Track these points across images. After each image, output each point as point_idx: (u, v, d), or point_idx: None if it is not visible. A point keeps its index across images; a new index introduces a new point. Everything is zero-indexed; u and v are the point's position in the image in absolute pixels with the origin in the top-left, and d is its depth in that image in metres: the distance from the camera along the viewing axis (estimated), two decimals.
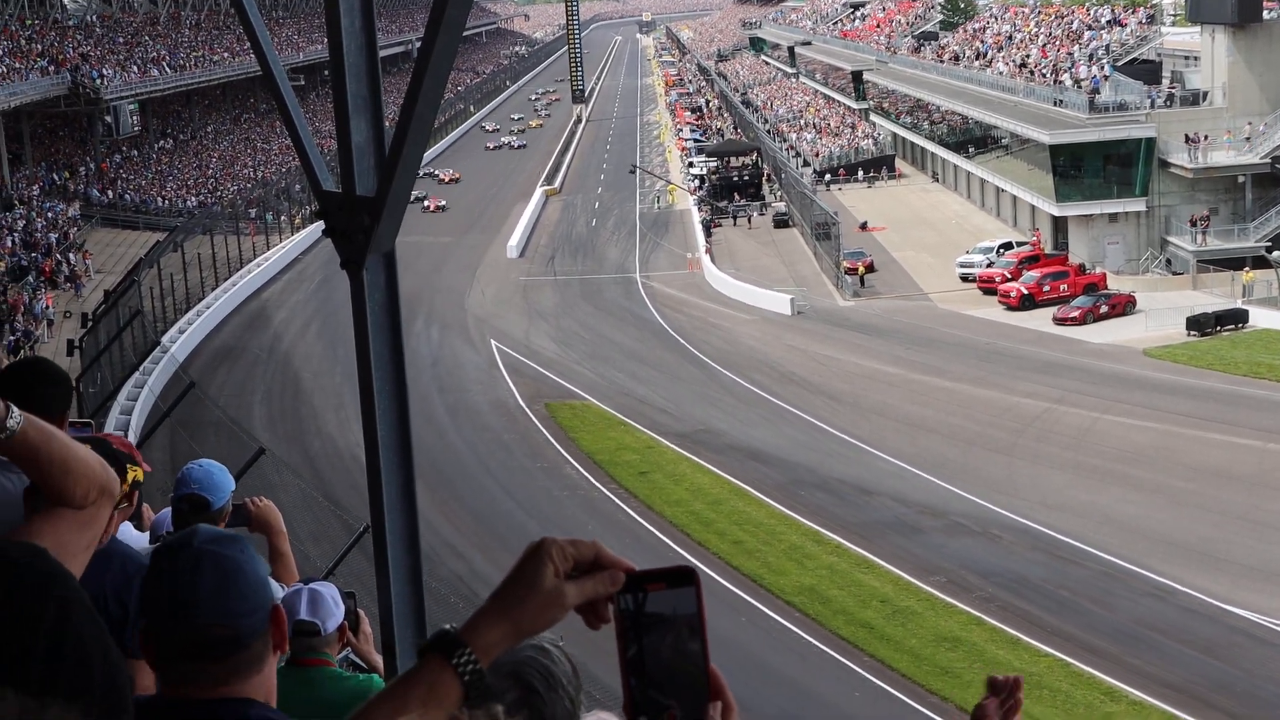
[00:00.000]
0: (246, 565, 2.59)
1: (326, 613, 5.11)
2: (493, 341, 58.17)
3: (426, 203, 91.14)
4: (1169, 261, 65.34)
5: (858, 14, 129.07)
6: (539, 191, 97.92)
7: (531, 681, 2.48)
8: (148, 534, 5.83)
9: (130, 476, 4.00)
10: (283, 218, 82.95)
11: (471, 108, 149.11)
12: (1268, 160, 63.59)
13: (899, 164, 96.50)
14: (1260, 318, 54.95)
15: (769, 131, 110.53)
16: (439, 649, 1.70)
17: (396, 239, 4.70)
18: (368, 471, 4.88)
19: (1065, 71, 73.76)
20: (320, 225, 4.36)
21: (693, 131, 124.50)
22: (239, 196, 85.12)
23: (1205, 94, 67.95)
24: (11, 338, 47.52)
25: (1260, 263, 60.21)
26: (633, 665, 1.58)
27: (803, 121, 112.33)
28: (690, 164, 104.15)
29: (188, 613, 2.52)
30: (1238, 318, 54.92)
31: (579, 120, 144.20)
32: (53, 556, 1.94)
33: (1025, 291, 60.16)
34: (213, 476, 5.20)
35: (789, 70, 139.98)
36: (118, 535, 4.07)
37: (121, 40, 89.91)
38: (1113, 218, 66.73)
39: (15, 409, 2.71)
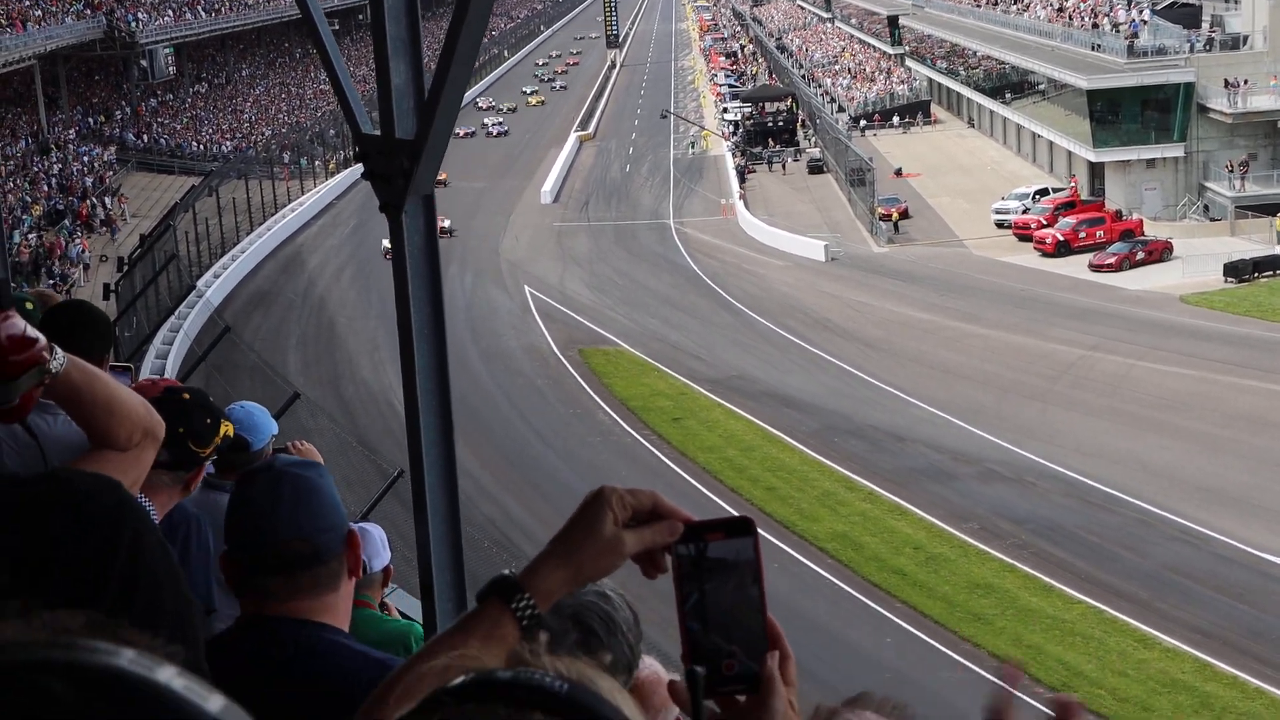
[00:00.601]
0: (323, 486, 2.76)
1: (372, 552, 5.15)
2: (526, 287, 58.21)
3: None
4: (1206, 208, 64.80)
5: None
6: (573, 137, 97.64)
7: (592, 625, 2.51)
8: None
9: (223, 431, 4.07)
10: (317, 163, 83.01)
11: (506, 53, 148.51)
12: None
13: (934, 109, 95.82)
14: None
15: (804, 77, 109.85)
16: (498, 593, 1.71)
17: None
18: (406, 414, 4.91)
19: (1103, 15, 72.97)
20: (355, 169, 4.36)
21: (727, 77, 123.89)
22: (274, 141, 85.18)
23: (1246, 38, 67.13)
24: (49, 281, 47.80)
25: None
26: (694, 611, 1.58)
27: (838, 67, 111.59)
28: (725, 110, 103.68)
29: (268, 528, 2.67)
30: (1276, 264, 54.52)
31: (613, 65, 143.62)
32: (126, 489, 1.98)
33: (1061, 238, 59.80)
34: (253, 417, 5.20)
35: (824, 15, 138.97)
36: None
37: None
38: (1150, 163, 66.15)
39: (60, 350, 2.74)
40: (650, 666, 3.10)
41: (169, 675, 0.81)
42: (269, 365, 36.78)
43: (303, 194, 74.72)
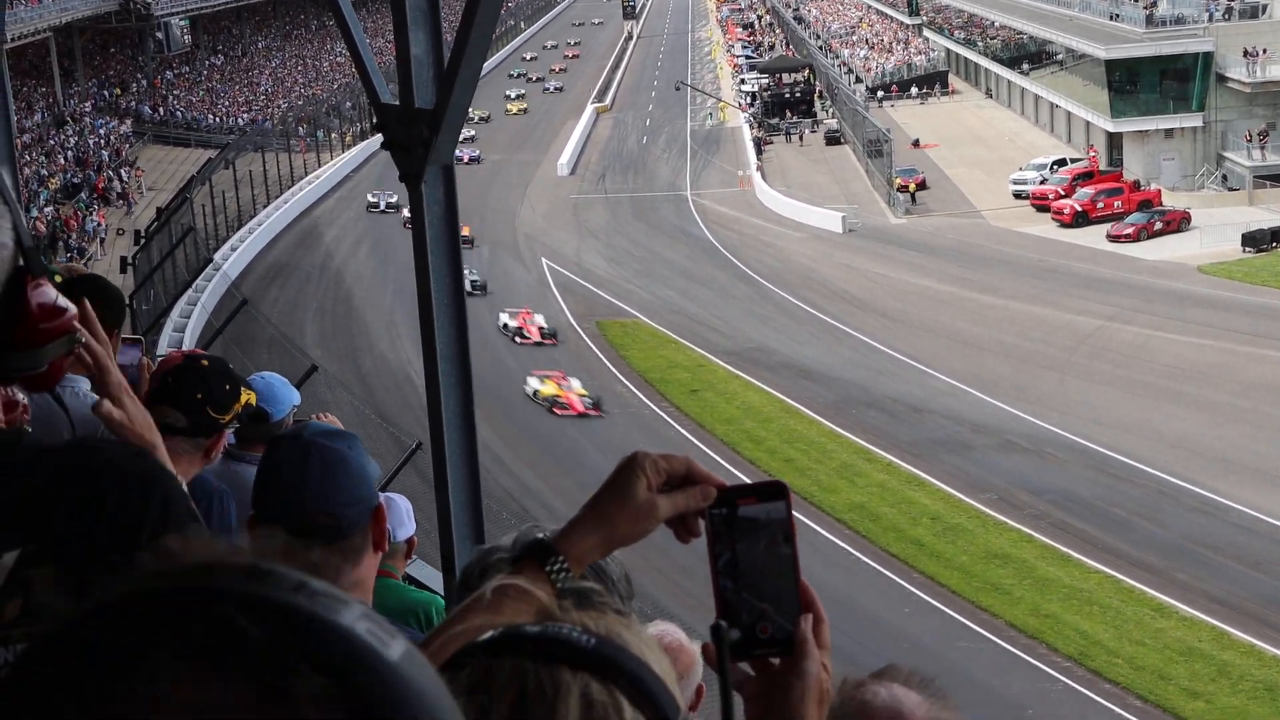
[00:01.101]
0: (352, 459, 2.74)
1: (397, 522, 5.14)
2: (544, 259, 58.21)
3: None
4: (1225, 177, 64.54)
5: None
6: (590, 108, 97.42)
7: (584, 575, 2.52)
8: None
9: (243, 399, 4.07)
10: (333, 135, 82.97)
11: (523, 24, 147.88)
12: None
13: (952, 80, 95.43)
14: None
15: (821, 48, 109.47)
16: (533, 556, 1.72)
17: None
18: (426, 384, 4.93)
19: None
20: (372, 142, 4.37)
21: (744, 48, 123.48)
22: (290, 114, 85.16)
23: (1265, 6, 66.73)
24: (66, 255, 47.91)
25: None
26: (726, 570, 1.60)
27: (855, 37, 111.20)
28: (742, 81, 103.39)
29: (294, 499, 2.66)
30: None
31: (630, 37, 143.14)
32: (155, 458, 2.00)
33: (1079, 208, 59.61)
34: (273, 388, 5.15)
35: None
36: None
37: None
38: (1168, 134, 65.88)
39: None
40: (673, 633, 3.12)
41: (354, 617, 0.80)
42: (287, 338, 36.84)
43: (319, 167, 74.69)
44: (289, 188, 67.70)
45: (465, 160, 74.98)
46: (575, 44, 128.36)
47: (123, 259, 30.25)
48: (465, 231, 55.93)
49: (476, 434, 4.97)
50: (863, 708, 2.01)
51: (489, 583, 1.69)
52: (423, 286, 4.73)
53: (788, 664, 1.60)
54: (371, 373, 42.38)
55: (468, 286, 55.06)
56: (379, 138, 4.74)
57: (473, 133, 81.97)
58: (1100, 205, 59.43)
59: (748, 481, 1.70)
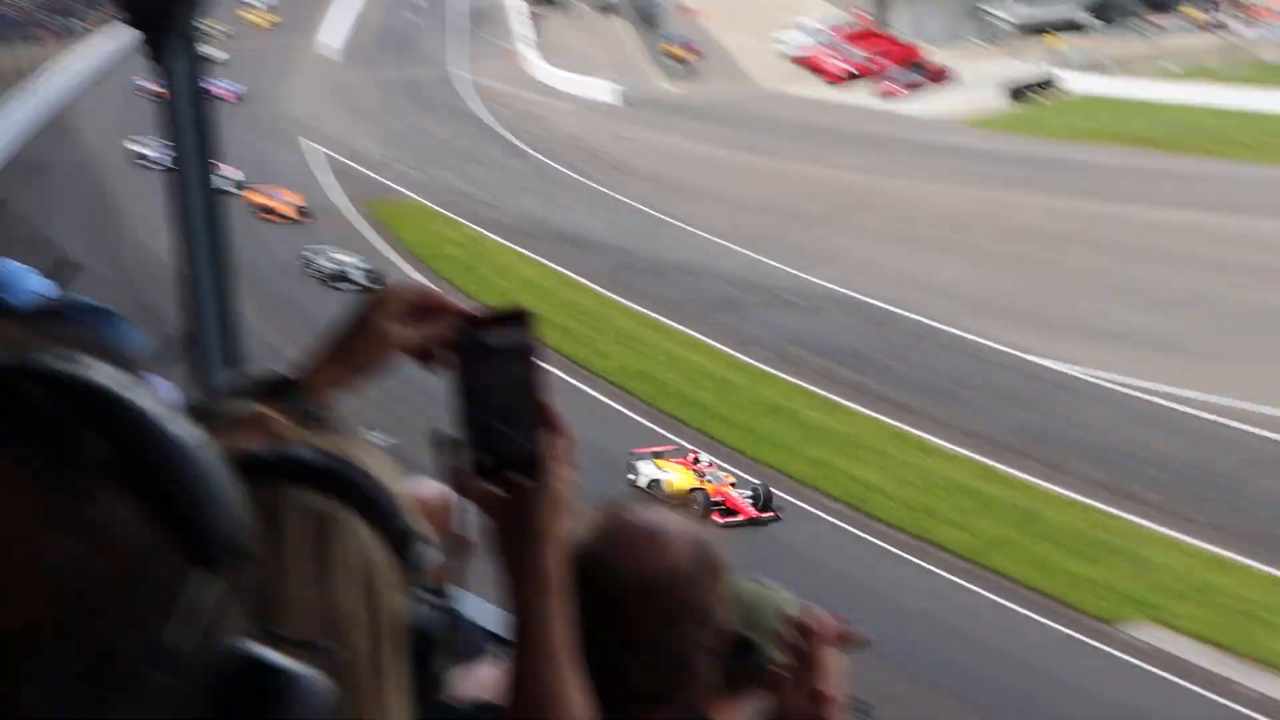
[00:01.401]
0: (104, 339, 2.65)
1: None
2: (315, 144, 56.96)
3: None
4: (989, 31, 65.88)
5: None
6: None
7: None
8: None
9: None
10: (83, 23, 79.45)
11: None
12: None
13: None
14: (1076, 82, 56.30)
15: None
16: (271, 390, 1.74)
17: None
18: (180, 264, 4.84)
19: None
20: (122, 24, 4.27)
21: None
22: (32, 1, 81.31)
23: None
24: None
25: (1069, 27, 61.26)
26: (471, 396, 1.65)
27: None
28: None
29: None
30: (1052, 82, 56.33)
31: None
32: None
33: (848, 68, 60.47)
34: (11, 275, 4.88)
35: None
36: None
37: None
38: None
39: None
40: (433, 487, 3.18)
41: (148, 398, 0.82)
42: (46, 238, 35.55)
43: (70, 57, 71.58)
44: (37, 80, 64.79)
45: (234, 100, 60.55)
46: None
47: None
48: (301, 201, 49.19)
49: (237, 316, 4.91)
50: (625, 526, 2.09)
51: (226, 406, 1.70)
52: (175, 170, 4.64)
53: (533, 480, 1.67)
54: (134, 265, 41.10)
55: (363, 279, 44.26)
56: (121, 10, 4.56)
57: (227, 55, 66.26)
58: (869, 64, 60.36)
59: (492, 310, 1.73)
